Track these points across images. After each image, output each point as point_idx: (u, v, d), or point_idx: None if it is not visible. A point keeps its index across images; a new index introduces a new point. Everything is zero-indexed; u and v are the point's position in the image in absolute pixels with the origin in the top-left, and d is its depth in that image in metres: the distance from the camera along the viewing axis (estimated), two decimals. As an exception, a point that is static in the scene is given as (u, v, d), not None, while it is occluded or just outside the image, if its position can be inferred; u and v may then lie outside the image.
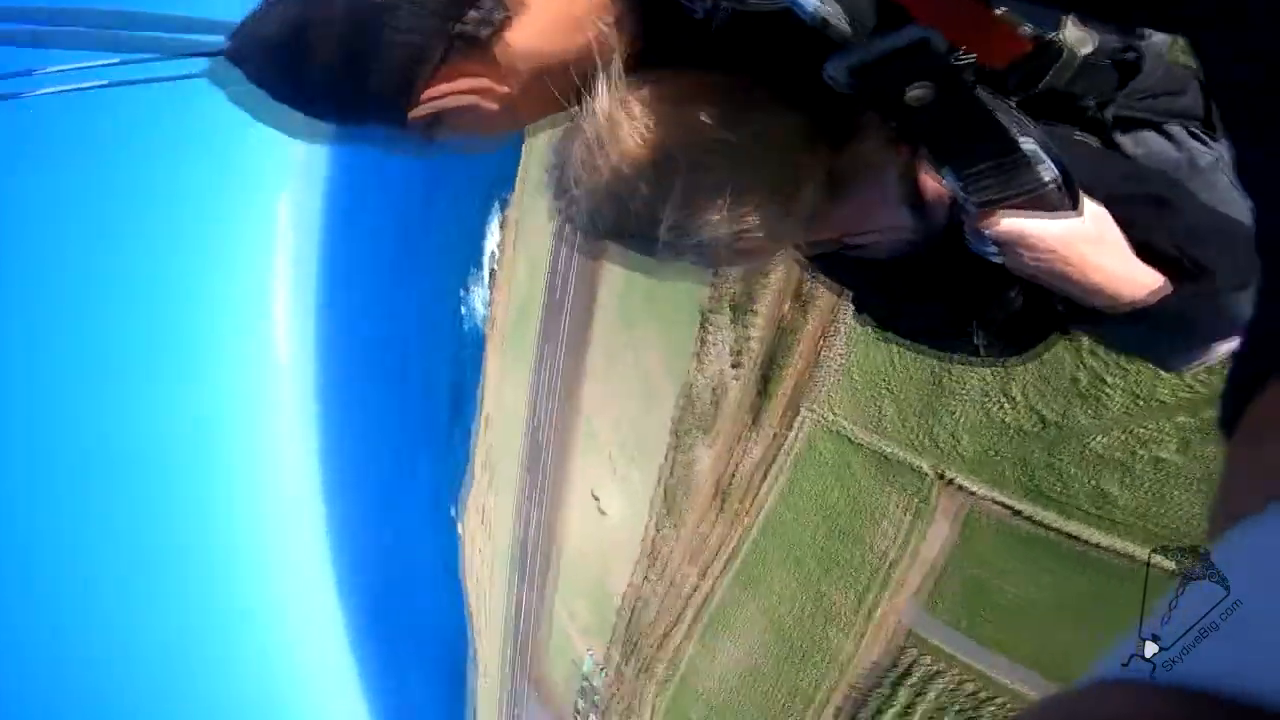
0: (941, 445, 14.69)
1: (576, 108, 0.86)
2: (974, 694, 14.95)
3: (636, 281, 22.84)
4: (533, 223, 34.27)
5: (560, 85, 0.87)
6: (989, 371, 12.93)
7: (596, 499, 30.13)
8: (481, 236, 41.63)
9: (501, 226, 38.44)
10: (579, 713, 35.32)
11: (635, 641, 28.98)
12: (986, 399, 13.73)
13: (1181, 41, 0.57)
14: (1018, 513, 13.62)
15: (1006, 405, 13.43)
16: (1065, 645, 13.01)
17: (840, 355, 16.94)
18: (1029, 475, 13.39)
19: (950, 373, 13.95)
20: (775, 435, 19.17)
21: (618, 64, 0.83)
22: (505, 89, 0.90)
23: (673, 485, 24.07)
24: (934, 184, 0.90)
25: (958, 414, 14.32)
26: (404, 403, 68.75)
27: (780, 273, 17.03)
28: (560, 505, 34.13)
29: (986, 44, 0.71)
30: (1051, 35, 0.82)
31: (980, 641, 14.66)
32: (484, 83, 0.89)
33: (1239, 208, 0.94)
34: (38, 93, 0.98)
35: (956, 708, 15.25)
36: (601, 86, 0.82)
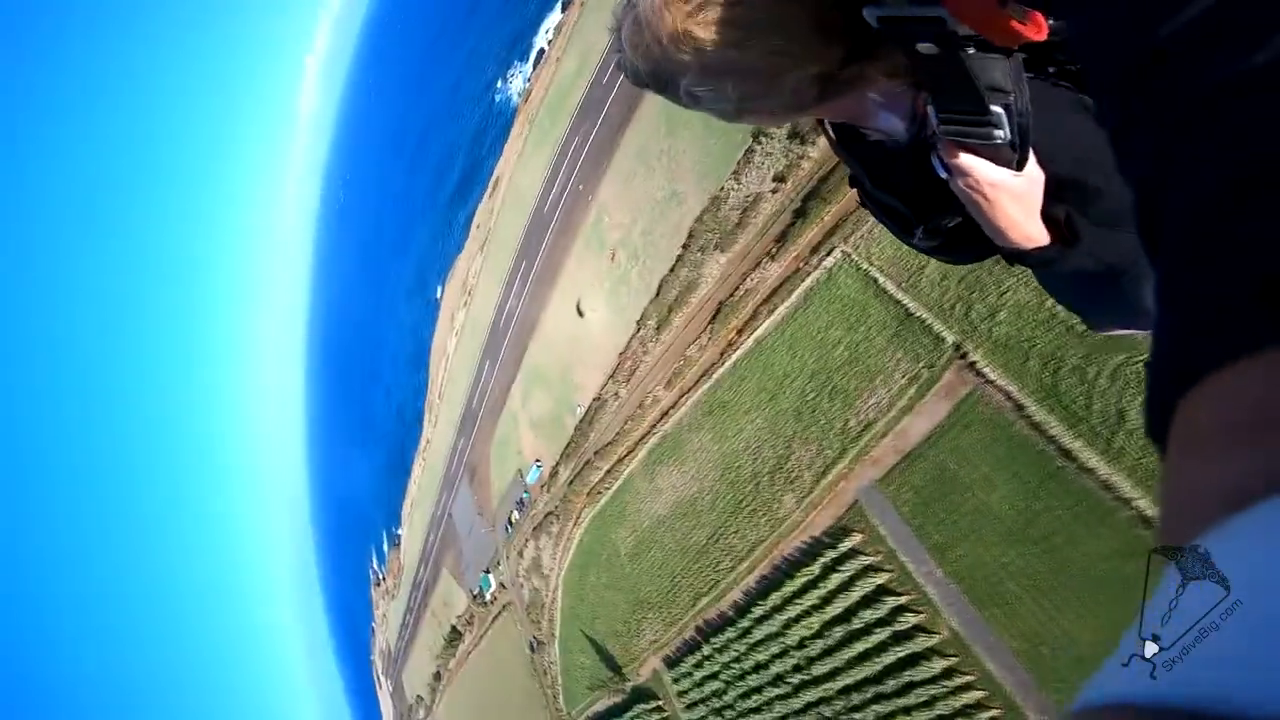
0: (974, 319, 13.09)
1: None
2: (900, 604, 14.19)
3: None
4: (593, 19, 31.58)
5: None
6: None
7: (580, 312, 28.97)
8: (533, 33, 40.39)
9: (559, 25, 37.10)
10: (511, 523, 36.45)
11: (579, 445, 28.95)
12: (1047, 282, 11.96)
13: None
14: (1022, 410, 12.24)
15: (1067, 294, 11.70)
16: (1012, 571, 12.15)
17: (897, 200, 14.87)
18: (1053, 374, 11.92)
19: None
20: (797, 260, 17.47)
21: None
22: None
23: (669, 294, 22.70)
24: (923, 106, 1.04)
25: (1007, 291, 12.60)
26: (412, 179, 66.61)
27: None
28: (545, 302, 33.06)
29: (993, 31, 0.82)
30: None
31: (925, 543, 13.74)
32: None
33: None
34: None
35: (877, 614, 14.56)
36: None
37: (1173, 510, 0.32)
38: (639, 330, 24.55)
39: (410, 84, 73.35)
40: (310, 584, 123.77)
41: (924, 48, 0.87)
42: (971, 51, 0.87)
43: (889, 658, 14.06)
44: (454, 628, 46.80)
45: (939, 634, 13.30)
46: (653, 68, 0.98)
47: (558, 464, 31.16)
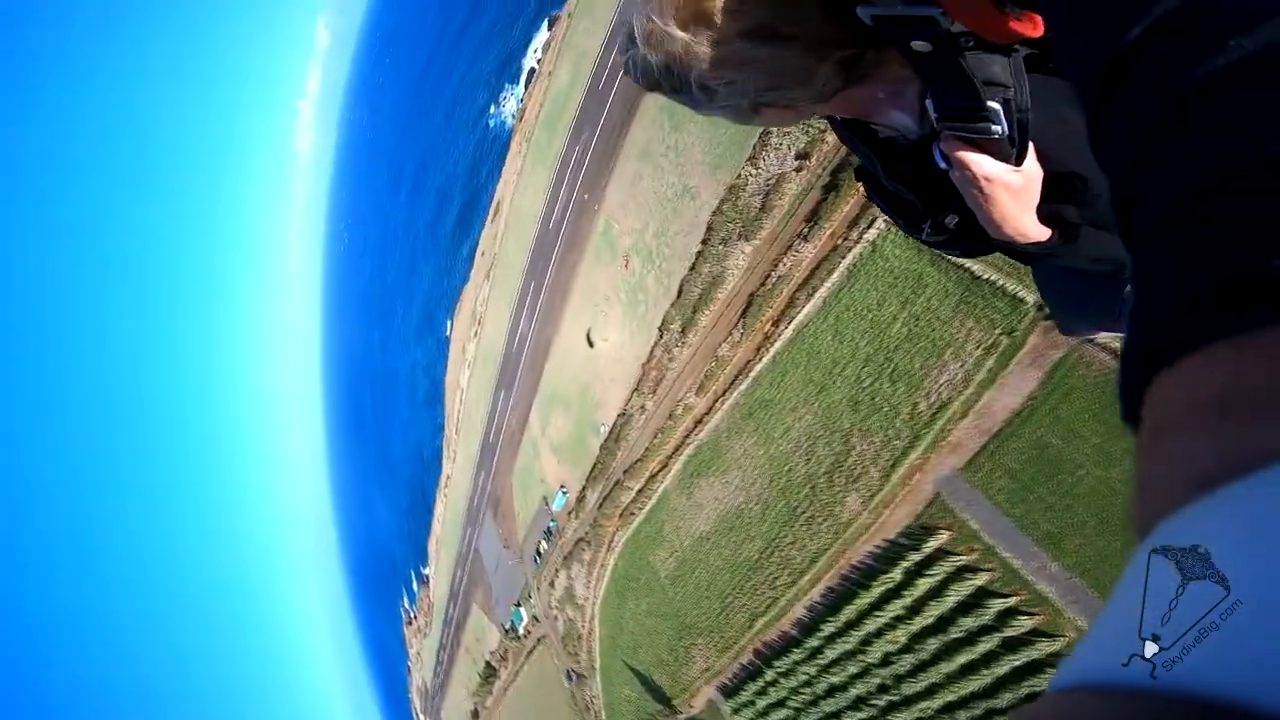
0: (1055, 274, 11.55)
1: None
2: (1009, 605, 12.26)
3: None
4: (583, 26, 30.68)
5: None
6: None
7: (591, 342, 27.57)
8: (522, 54, 40.23)
9: (547, 43, 36.52)
10: (540, 554, 34.81)
11: (605, 465, 27.26)
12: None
13: None
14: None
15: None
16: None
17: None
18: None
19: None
20: (834, 237, 15.95)
21: None
22: None
23: (692, 294, 21.21)
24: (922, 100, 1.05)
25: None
26: (413, 214, 66.43)
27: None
28: (558, 322, 31.72)
29: (989, 28, 0.81)
30: None
31: (1032, 534, 11.87)
32: None
33: None
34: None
35: (981, 620, 12.62)
36: None
37: (1140, 490, 0.33)
38: (662, 336, 23.03)
39: (403, 119, 73.60)
40: (345, 628, 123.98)
41: (918, 45, 0.86)
42: (970, 46, 0.86)
43: (1002, 668, 12.16)
44: (488, 663, 44.95)
45: (1065, 636, 11.46)
46: (666, 60, 0.94)
47: (584, 488, 29.49)
